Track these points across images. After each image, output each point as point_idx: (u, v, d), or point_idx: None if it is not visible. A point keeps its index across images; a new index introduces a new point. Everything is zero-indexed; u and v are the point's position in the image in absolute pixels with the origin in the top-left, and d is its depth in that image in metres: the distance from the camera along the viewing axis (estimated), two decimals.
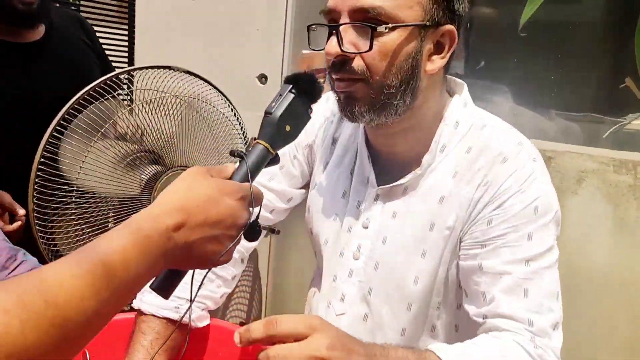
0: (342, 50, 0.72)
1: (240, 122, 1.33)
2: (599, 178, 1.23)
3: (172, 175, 1.14)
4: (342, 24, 0.72)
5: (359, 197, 0.85)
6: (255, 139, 0.64)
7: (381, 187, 0.83)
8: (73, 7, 2.14)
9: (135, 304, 0.83)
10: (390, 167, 0.84)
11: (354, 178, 0.87)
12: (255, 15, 1.46)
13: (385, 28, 0.71)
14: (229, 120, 1.27)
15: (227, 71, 1.49)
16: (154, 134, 1.18)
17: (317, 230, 0.91)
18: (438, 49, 0.76)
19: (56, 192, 1.06)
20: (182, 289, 0.65)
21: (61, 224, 1.10)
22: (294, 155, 0.95)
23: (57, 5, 1.52)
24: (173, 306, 0.82)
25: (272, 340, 0.60)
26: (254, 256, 1.58)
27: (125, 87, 1.20)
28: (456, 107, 0.82)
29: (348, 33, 0.73)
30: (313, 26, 0.78)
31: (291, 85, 0.64)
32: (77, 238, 1.09)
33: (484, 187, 0.77)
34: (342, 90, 0.75)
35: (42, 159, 1.06)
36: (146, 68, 1.17)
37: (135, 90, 1.20)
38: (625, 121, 1.61)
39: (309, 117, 0.67)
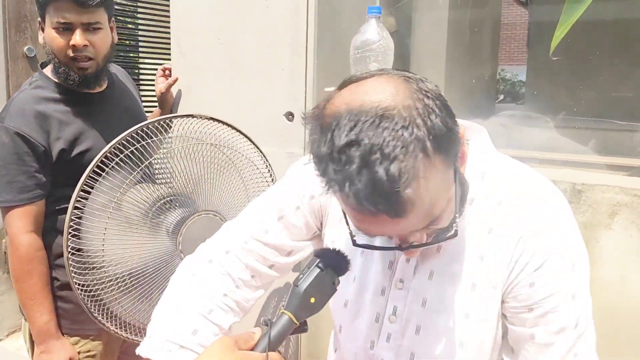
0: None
1: (267, 164, 1.37)
2: (633, 211, 1.18)
3: (196, 219, 1.19)
4: (412, 246, 0.69)
5: (390, 256, 0.81)
6: (283, 306, 0.69)
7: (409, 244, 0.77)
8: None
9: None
10: None
11: (379, 237, 0.80)
12: (278, 55, 1.50)
13: (453, 224, 0.67)
14: (253, 163, 1.32)
15: (255, 110, 1.54)
16: (183, 178, 1.24)
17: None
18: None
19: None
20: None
21: (92, 259, 1.17)
22: (297, 206, 0.88)
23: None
24: None
25: None
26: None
27: (156, 133, 1.27)
28: (477, 156, 0.79)
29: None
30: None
31: (318, 260, 0.68)
32: (109, 276, 1.17)
33: (522, 245, 0.75)
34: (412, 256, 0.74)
35: (80, 194, 1.14)
36: (172, 117, 1.24)
37: (167, 137, 1.26)
38: None
39: (335, 289, 0.69)
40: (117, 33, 1.53)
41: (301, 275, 0.68)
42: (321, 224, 0.90)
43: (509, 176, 0.79)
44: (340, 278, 0.81)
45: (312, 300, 0.67)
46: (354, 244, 0.72)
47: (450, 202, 0.66)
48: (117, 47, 1.55)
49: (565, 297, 0.74)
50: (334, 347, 0.96)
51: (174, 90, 1.73)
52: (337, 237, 0.85)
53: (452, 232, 0.68)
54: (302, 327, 0.68)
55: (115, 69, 1.62)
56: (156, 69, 1.82)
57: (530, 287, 0.75)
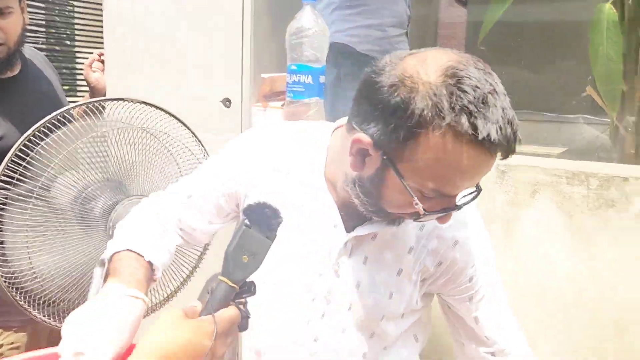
0: None
1: (202, 150, 1.35)
2: (553, 190, 1.25)
3: (127, 203, 1.16)
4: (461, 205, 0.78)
5: (328, 243, 0.88)
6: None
7: (352, 235, 0.87)
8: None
9: None
10: (353, 211, 0.86)
11: (320, 222, 0.88)
12: (214, 40, 1.48)
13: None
14: (189, 149, 1.30)
15: (191, 97, 1.52)
16: (116, 163, 1.21)
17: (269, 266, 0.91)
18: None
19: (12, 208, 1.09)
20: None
21: (15, 250, 1.12)
22: (213, 188, 0.96)
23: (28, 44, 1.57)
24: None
25: None
26: None
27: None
28: None
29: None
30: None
31: (244, 217, 0.68)
32: (34, 263, 1.12)
33: (453, 245, 0.89)
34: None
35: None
36: (102, 100, 1.20)
37: (87, 123, 1.22)
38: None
39: (270, 243, 0.68)
40: (53, 22, 1.47)
41: (231, 239, 0.68)
42: (237, 206, 0.96)
43: None
44: (277, 256, 0.82)
45: (245, 259, 0.67)
46: (420, 215, 0.75)
47: None
48: (52, 38, 1.50)
49: (495, 281, 0.94)
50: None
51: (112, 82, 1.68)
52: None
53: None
54: (246, 289, 0.69)
55: (31, 53, 1.55)
56: None
57: (470, 281, 0.91)
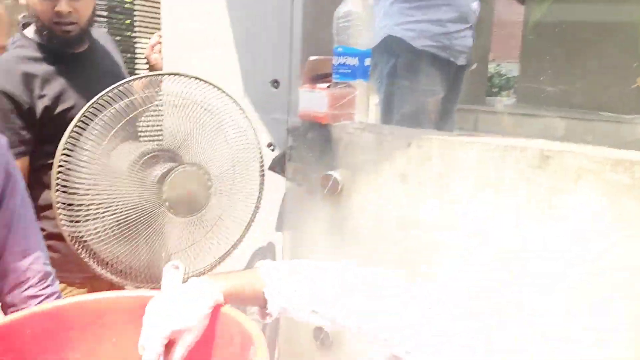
0: None
1: (251, 125, 1.42)
2: (597, 177, 1.25)
3: (181, 170, 1.24)
4: None
5: None
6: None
7: None
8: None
9: None
10: None
11: None
12: (266, 24, 1.55)
13: None
14: (238, 124, 1.36)
15: (241, 78, 1.59)
16: (171, 135, 1.29)
17: None
18: None
19: (76, 176, 1.17)
20: None
21: (80, 212, 1.21)
22: None
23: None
24: None
25: None
26: (271, 250, 1.66)
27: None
28: None
29: None
30: None
31: None
32: (97, 225, 1.20)
33: None
34: None
35: (65, 150, 1.17)
36: (160, 74, 1.28)
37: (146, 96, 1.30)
38: None
39: None
40: (114, 11, 1.59)
41: None
42: None
43: None
44: None
45: None
46: None
47: None
48: (113, 27, 1.61)
49: None
50: None
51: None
52: None
53: None
54: None
55: (98, 33, 1.66)
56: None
57: None
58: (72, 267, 1.34)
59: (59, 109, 1.46)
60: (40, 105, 1.44)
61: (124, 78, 1.67)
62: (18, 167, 1.42)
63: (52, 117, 1.45)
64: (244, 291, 0.85)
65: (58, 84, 1.47)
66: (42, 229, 1.46)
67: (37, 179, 1.46)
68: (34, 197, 1.46)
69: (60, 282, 1.46)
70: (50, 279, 1.18)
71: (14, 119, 1.41)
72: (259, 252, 1.66)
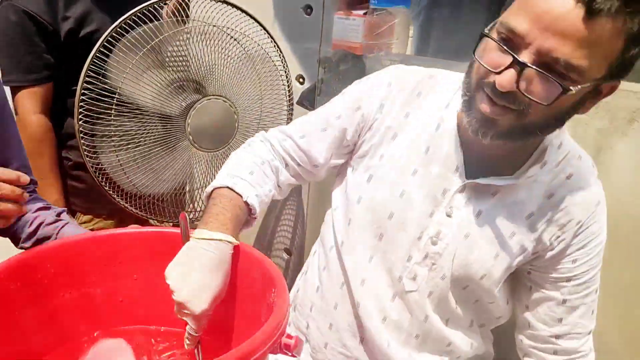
0: (516, 88, 0.68)
1: (281, 58, 1.33)
2: None
3: (205, 102, 1.18)
4: (531, 67, 0.66)
5: (446, 184, 0.85)
6: None
7: (472, 180, 0.83)
8: None
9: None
10: (478, 161, 0.83)
11: (438, 162, 0.86)
12: None
13: (575, 90, 0.67)
14: (268, 55, 1.28)
15: (272, 3, 1.48)
16: (196, 63, 1.22)
17: (379, 201, 0.89)
18: (595, 94, 0.73)
19: (99, 104, 1.13)
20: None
21: (104, 143, 1.17)
22: (338, 116, 0.93)
23: None
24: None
25: None
26: (297, 189, 1.63)
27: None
28: (560, 129, 0.82)
29: (529, 73, 0.67)
30: (483, 37, 0.72)
31: None
32: (120, 157, 1.17)
33: (577, 226, 0.85)
34: (492, 115, 0.72)
35: (88, 77, 1.13)
36: None
37: (172, 20, 1.22)
38: None
39: None
40: None
41: None
42: (359, 136, 0.94)
43: (577, 155, 0.87)
44: (387, 191, 0.90)
45: None
46: (485, 35, 0.72)
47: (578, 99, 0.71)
48: None
49: (597, 272, 0.89)
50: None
51: None
52: (386, 153, 0.90)
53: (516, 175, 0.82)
54: None
55: None
56: None
57: (573, 263, 0.86)
58: (99, 198, 1.33)
59: (83, 31, 1.40)
60: (64, 27, 1.38)
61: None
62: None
63: (76, 40, 1.39)
64: (239, 217, 0.84)
65: (82, 6, 1.40)
66: (68, 158, 1.45)
67: (62, 106, 1.43)
68: (59, 124, 1.44)
69: (87, 214, 1.46)
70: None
71: (38, 42, 1.36)
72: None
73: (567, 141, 0.86)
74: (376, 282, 0.92)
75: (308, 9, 1.47)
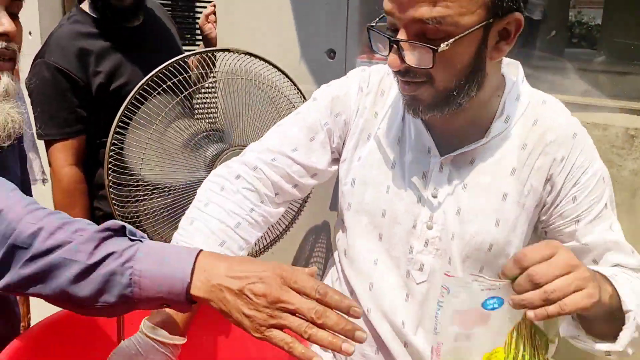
0: (404, 63, 0.74)
1: (303, 100, 1.35)
2: None
3: (231, 153, 1.19)
4: (400, 40, 0.73)
5: (423, 167, 0.87)
6: None
7: (445, 156, 0.85)
8: None
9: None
10: (447, 137, 0.85)
11: (410, 149, 0.87)
12: None
13: (447, 45, 0.71)
14: (291, 101, 1.30)
15: (296, 48, 1.51)
16: (222, 113, 1.24)
17: (367, 202, 0.90)
18: (504, 36, 0.77)
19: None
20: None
21: (131, 193, 1.19)
22: (324, 123, 0.92)
23: None
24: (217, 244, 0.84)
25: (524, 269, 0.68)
26: (326, 227, 1.62)
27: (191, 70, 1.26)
28: (514, 82, 0.86)
29: (408, 47, 0.73)
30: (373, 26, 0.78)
31: None
32: (146, 207, 1.19)
33: (561, 163, 0.83)
34: (408, 93, 0.79)
35: (119, 128, 1.15)
36: (210, 51, 1.22)
37: (200, 73, 1.25)
38: None
39: None
40: None
41: None
42: (343, 143, 0.93)
43: (541, 101, 0.87)
44: (374, 191, 0.89)
45: None
46: (370, 27, 0.78)
47: (462, 56, 0.73)
48: None
49: (602, 205, 0.85)
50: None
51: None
52: (363, 154, 0.91)
53: (486, 139, 0.82)
54: None
55: (151, 3, 1.61)
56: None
57: (574, 201, 0.84)
58: None
59: (114, 85, 1.45)
60: (95, 82, 1.43)
61: (179, 51, 1.64)
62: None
63: (106, 93, 1.44)
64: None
65: (113, 60, 1.45)
66: (99, 209, 1.48)
67: (94, 157, 1.47)
68: (90, 175, 1.48)
69: None
70: None
71: (71, 97, 1.41)
72: (313, 231, 1.62)
73: (526, 92, 0.86)
74: (386, 284, 0.90)
75: (331, 53, 1.49)
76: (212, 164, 1.19)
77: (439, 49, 0.70)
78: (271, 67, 1.29)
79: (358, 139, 0.92)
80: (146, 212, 1.20)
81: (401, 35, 0.73)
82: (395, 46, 0.73)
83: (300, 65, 1.51)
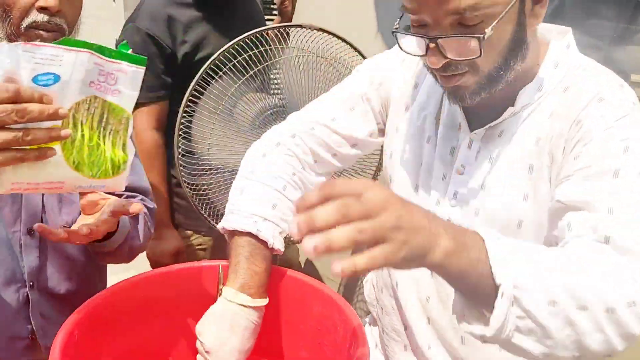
0: (447, 58, 0.70)
1: None
2: None
3: None
4: (439, 37, 0.68)
5: (452, 143, 0.84)
6: None
7: (475, 131, 0.81)
8: None
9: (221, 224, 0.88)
10: (479, 111, 0.80)
11: (441, 124, 0.85)
12: None
13: (491, 29, 0.66)
14: None
15: (369, 24, 1.48)
16: (292, 89, 1.25)
17: (402, 177, 0.89)
18: (533, 2, 0.72)
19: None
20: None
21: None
22: (364, 93, 0.91)
23: None
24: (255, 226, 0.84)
25: (328, 199, 0.51)
26: None
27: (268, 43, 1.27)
28: (557, 49, 0.79)
29: (444, 43, 0.69)
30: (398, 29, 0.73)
31: None
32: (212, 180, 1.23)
33: (577, 125, 0.73)
34: (451, 85, 0.75)
35: (192, 97, 1.18)
36: (284, 26, 1.22)
37: (276, 47, 1.26)
38: None
39: None
40: None
41: None
42: (386, 114, 0.92)
43: (580, 67, 0.79)
44: (408, 165, 0.88)
45: None
46: (394, 31, 0.74)
47: (502, 34, 0.69)
48: None
49: (606, 171, 0.69)
50: None
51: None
52: (401, 127, 0.89)
53: (514, 110, 0.76)
54: None
55: None
56: None
57: (574, 159, 0.72)
58: (198, 216, 1.41)
59: (198, 56, 1.48)
60: (181, 51, 1.47)
61: (262, 22, 1.65)
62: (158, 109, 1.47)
63: (191, 63, 1.48)
64: (267, 270, 0.83)
65: (200, 31, 1.48)
66: (174, 176, 1.55)
67: (173, 125, 1.53)
68: (169, 143, 1.54)
69: (187, 229, 1.55)
70: None
71: (158, 63, 1.46)
72: None
73: (567, 59, 0.79)
74: (412, 279, 0.88)
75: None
76: None
77: (485, 36, 0.66)
78: (345, 44, 1.27)
79: (397, 110, 0.90)
80: (214, 182, 1.24)
81: (436, 31, 0.68)
82: (433, 44, 0.69)
83: (372, 43, 1.47)
